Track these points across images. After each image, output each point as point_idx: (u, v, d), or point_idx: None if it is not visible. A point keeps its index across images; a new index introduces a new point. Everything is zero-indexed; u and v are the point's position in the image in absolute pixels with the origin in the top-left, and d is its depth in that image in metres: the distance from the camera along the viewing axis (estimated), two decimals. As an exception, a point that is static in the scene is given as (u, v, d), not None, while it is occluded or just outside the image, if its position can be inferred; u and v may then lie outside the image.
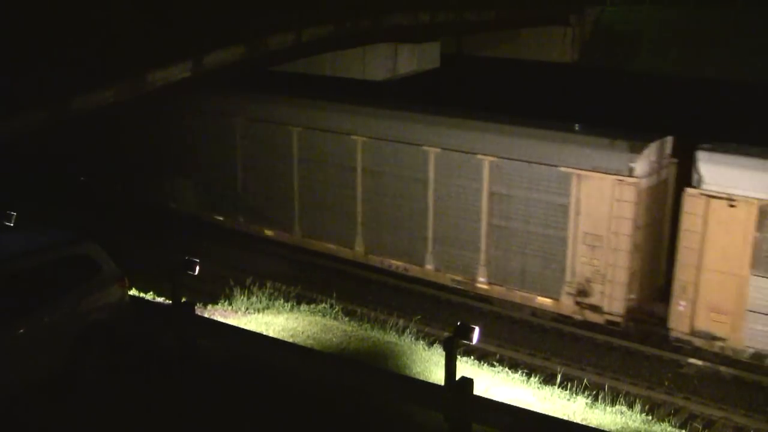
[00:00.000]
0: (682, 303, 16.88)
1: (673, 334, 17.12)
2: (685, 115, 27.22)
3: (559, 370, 16.07)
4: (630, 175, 17.01)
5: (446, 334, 12.93)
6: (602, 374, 16.61)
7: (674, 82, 31.79)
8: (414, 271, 20.27)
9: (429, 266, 20.03)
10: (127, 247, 18.83)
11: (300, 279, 19.89)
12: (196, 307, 12.71)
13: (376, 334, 15.14)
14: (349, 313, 17.39)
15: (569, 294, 18.11)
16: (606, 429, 11.71)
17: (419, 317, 17.91)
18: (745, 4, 33.56)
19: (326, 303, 17.04)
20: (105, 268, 11.39)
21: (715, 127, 22.56)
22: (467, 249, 19.35)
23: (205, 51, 16.31)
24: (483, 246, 19.07)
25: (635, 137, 17.59)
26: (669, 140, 18.15)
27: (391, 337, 15.19)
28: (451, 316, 18.30)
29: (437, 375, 12.56)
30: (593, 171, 17.36)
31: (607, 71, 34.24)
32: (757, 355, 16.27)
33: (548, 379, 15.22)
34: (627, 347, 17.55)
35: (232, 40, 17.01)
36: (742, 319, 16.27)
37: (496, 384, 13.41)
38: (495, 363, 15.47)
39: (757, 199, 15.78)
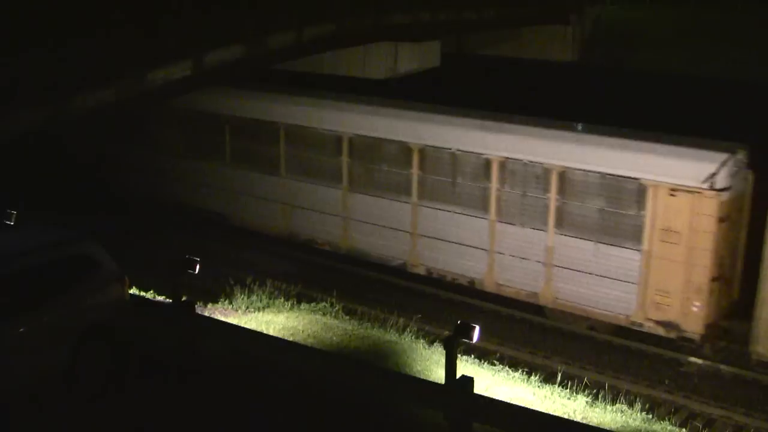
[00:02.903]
0: None
1: None
2: (684, 113, 27.21)
3: (559, 368, 16.07)
4: None
5: (446, 332, 12.95)
6: (602, 373, 16.61)
7: (674, 81, 31.83)
8: None
9: None
10: (128, 246, 18.82)
11: (300, 277, 19.89)
12: (196, 306, 12.72)
13: (376, 333, 15.16)
14: (350, 312, 17.40)
15: None
16: (606, 428, 11.72)
17: (419, 316, 17.91)
18: (745, 3, 33.60)
19: (327, 302, 17.06)
20: (105, 267, 11.39)
21: (715, 125, 22.54)
22: None
23: (205, 50, 16.31)
24: None
25: None
26: None
27: (392, 335, 15.21)
28: (451, 315, 18.30)
29: (437, 374, 12.57)
30: None
31: (607, 70, 34.29)
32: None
33: (548, 378, 15.22)
34: (627, 346, 17.57)
35: (232, 39, 17.02)
36: None
37: (497, 383, 13.43)
38: (495, 362, 15.48)
39: None
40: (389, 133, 19.55)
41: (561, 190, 17.35)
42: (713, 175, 15.78)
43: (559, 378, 14.92)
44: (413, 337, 15.32)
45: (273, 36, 18.25)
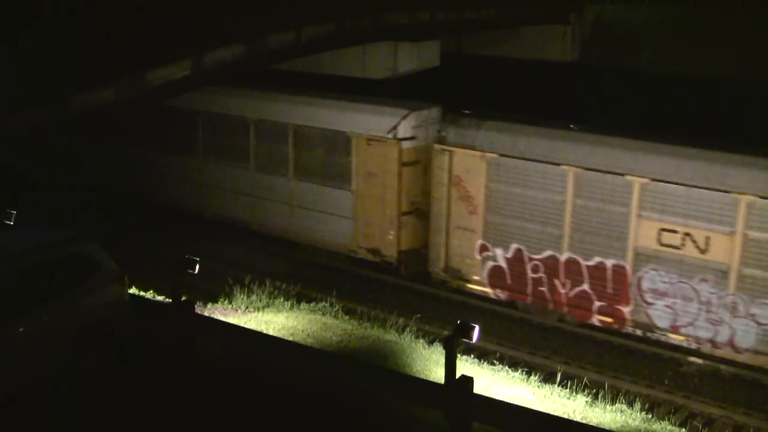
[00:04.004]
0: None
1: None
2: (683, 114, 27.23)
3: (559, 368, 16.08)
4: None
5: (446, 332, 12.96)
6: (602, 373, 16.61)
7: (674, 81, 31.80)
8: None
9: None
10: (127, 246, 18.80)
11: (300, 277, 19.89)
12: (196, 306, 12.72)
13: (376, 333, 15.16)
14: (349, 312, 17.40)
15: None
16: (606, 427, 11.72)
17: (419, 316, 17.91)
18: (745, 3, 33.57)
19: (326, 301, 17.05)
20: (105, 267, 11.39)
21: (714, 126, 22.56)
22: None
23: (205, 50, 16.30)
24: None
25: None
26: None
27: (391, 335, 15.21)
28: (450, 315, 18.30)
29: (437, 373, 12.58)
30: None
31: (607, 70, 34.24)
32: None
33: (548, 378, 15.24)
34: (627, 346, 17.58)
35: (232, 39, 17.01)
36: None
37: (496, 382, 13.44)
38: (495, 361, 15.49)
39: None
40: (183, 103, 22.44)
41: (296, 144, 21.56)
42: (395, 126, 19.73)
43: (558, 378, 14.93)
44: (413, 337, 15.32)
45: (273, 36, 18.23)
